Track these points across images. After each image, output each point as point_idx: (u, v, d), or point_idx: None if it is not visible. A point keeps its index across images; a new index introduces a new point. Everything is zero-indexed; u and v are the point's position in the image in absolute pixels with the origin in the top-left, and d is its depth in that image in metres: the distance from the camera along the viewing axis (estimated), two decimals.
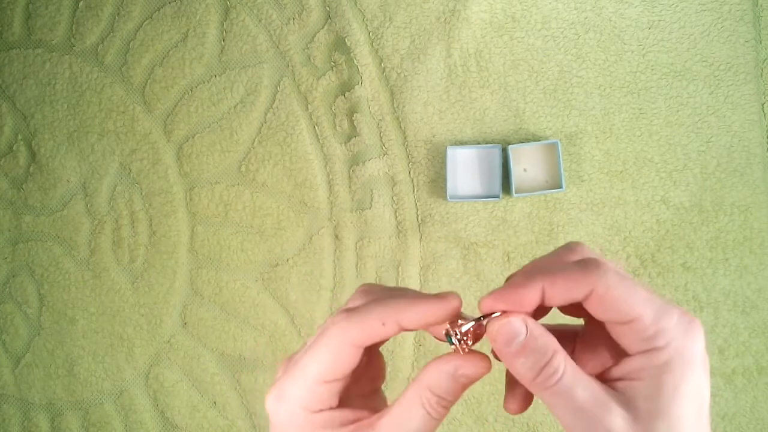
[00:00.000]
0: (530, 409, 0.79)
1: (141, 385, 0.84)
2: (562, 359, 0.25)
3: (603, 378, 0.26)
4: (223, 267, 0.83)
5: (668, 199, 0.79)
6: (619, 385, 0.25)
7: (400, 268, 0.81)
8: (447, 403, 0.26)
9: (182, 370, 0.83)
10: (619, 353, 0.27)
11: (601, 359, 0.28)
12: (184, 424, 0.83)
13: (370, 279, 0.81)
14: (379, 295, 0.28)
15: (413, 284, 0.81)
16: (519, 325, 0.25)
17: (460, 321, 0.27)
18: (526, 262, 0.80)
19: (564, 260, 0.28)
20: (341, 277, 0.81)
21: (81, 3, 0.84)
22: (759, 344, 0.79)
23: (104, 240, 0.84)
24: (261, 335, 0.82)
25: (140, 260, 0.84)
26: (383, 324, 0.25)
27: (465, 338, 0.27)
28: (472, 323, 0.27)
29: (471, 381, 0.27)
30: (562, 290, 0.26)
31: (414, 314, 0.26)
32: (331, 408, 0.27)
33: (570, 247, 0.29)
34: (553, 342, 0.26)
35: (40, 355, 0.85)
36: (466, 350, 0.27)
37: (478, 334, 0.28)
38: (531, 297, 0.26)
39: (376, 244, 0.81)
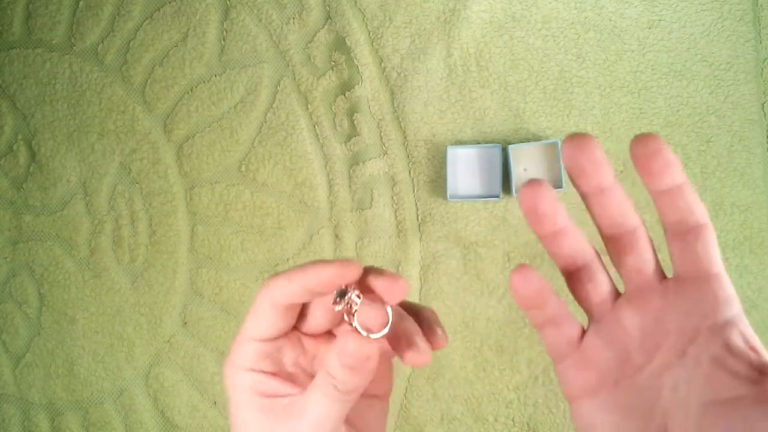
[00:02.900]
0: (530, 408, 0.79)
1: (141, 385, 0.84)
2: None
3: None
4: (223, 267, 0.83)
5: None
6: None
7: (400, 268, 0.81)
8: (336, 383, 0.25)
9: (182, 370, 0.83)
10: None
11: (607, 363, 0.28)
12: (184, 424, 0.83)
13: None
14: None
15: (413, 283, 0.81)
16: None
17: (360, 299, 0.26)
18: (527, 262, 0.80)
19: None
20: None
21: (81, 3, 0.84)
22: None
23: (104, 240, 0.84)
24: None
25: (140, 260, 0.84)
26: (288, 282, 0.26)
27: (351, 304, 0.26)
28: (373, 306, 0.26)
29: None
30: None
31: (311, 272, 0.26)
32: (262, 371, 0.27)
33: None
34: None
35: (40, 355, 0.85)
36: (351, 321, 0.26)
37: (372, 318, 0.26)
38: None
39: (376, 243, 0.81)
